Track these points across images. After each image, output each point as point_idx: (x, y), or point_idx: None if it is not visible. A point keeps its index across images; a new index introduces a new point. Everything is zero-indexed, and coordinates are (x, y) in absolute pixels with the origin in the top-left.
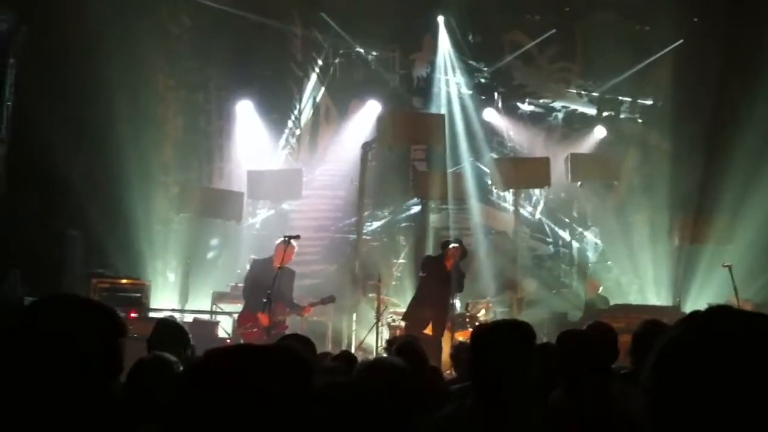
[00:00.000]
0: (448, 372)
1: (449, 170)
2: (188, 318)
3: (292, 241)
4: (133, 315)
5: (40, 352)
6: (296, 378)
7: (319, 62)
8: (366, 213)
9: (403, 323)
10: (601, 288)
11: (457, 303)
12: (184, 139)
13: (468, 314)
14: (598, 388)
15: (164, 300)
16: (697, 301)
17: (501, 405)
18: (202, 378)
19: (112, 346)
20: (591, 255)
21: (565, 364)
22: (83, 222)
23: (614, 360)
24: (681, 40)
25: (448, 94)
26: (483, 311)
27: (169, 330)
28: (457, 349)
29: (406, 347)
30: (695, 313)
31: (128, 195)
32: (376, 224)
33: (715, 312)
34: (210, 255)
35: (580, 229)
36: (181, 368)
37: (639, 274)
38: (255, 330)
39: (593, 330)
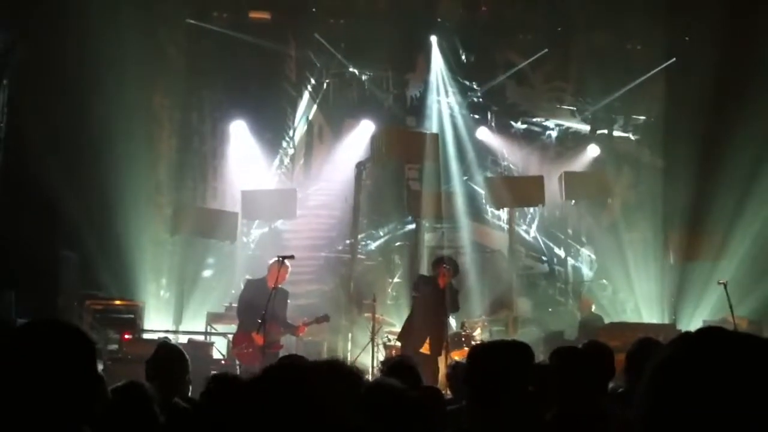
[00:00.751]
0: (443, 392)
1: (443, 189)
2: (183, 339)
3: (286, 261)
4: (126, 336)
5: (19, 379)
6: (353, 388)
7: (313, 82)
8: (362, 234)
9: (398, 343)
10: (593, 306)
11: (453, 322)
12: (178, 159)
13: (464, 333)
14: (593, 408)
15: (158, 321)
16: (692, 319)
17: (498, 427)
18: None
19: (88, 373)
20: (586, 273)
21: (560, 382)
22: (78, 243)
23: (610, 378)
24: (673, 59)
25: (442, 113)
26: (479, 330)
27: (169, 354)
28: (453, 368)
29: (398, 366)
30: (687, 334)
31: (122, 215)
32: (371, 243)
33: (707, 333)
34: (204, 275)
35: (575, 247)
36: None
37: (634, 291)
38: (250, 350)
39: (589, 348)
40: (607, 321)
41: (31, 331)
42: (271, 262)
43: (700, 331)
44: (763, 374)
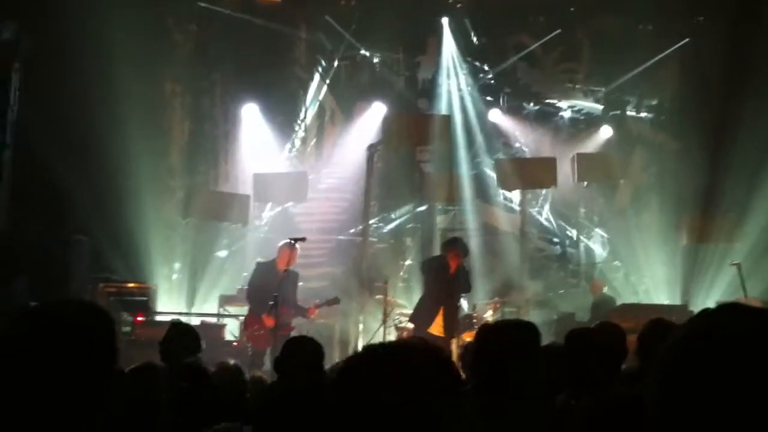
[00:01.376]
0: None
1: (455, 171)
2: (195, 321)
3: (296, 243)
4: (139, 319)
5: (36, 358)
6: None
7: (324, 65)
8: (374, 219)
9: (410, 325)
10: (605, 288)
11: (464, 304)
12: (190, 143)
13: (475, 315)
14: (605, 390)
15: (171, 304)
16: (705, 300)
17: (505, 406)
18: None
19: (107, 346)
20: (599, 254)
21: (573, 364)
22: (89, 227)
23: (623, 360)
24: (687, 39)
25: (453, 95)
26: (490, 312)
27: (180, 333)
28: (466, 349)
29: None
30: (705, 311)
31: (134, 199)
32: (383, 226)
33: (725, 309)
34: (216, 258)
35: (588, 229)
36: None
37: (647, 273)
38: (261, 332)
39: (602, 330)
40: (619, 302)
41: (49, 311)
42: (281, 244)
43: (719, 308)
44: None
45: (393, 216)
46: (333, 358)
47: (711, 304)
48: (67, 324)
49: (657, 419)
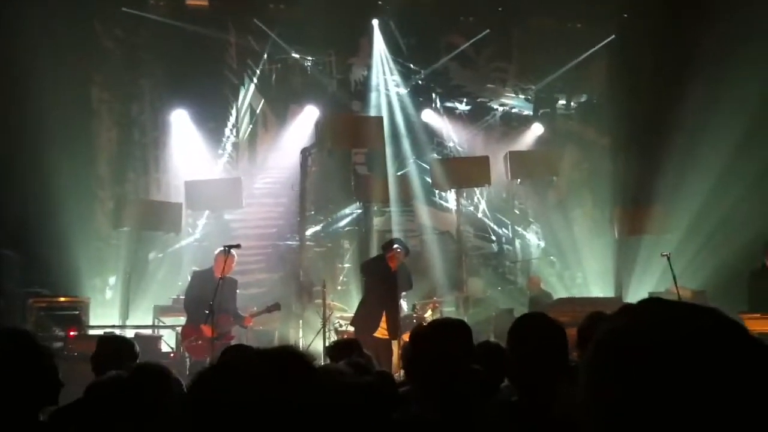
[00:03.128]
0: (397, 375)
1: (390, 173)
2: (130, 333)
3: (232, 250)
4: (72, 333)
5: None
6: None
7: (255, 69)
8: (310, 223)
9: (350, 328)
10: (542, 284)
11: (404, 304)
12: (118, 151)
13: (415, 315)
14: (550, 384)
15: (104, 317)
16: (638, 291)
17: (443, 406)
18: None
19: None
20: (534, 251)
21: (516, 358)
22: (18, 240)
23: (567, 353)
24: (612, 36)
25: (387, 96)
26: (430, 312)
27: (112, 345)
28: (406, 350)
29: (346, 346)
30: (627, 306)
31: (64, 211)
32: (319, 229)
33: (646, 304)
34: (150, 268)
35: (523, 226)
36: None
37: (581, 267)
38: (200, 342)
39: (544, 323)
40: (556, 297)
41: None
42: (216, 252)
43: (641, 302)
44: (700, 339)
45: (330, 219)
46: None
47: (644, 295)
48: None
49: (585, 416)
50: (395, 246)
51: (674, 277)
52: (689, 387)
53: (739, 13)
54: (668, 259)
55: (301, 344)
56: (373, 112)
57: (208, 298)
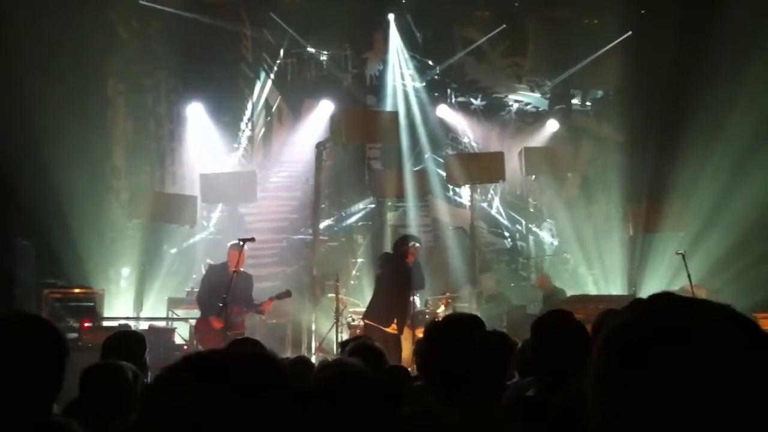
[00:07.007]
0: (409, 369)
1: (405, 168)
2: (143, 325)
3: (245, 244)
4: (86, 325)
5: None
6: (273, 379)
7: (271, 63)
8: (324, 218)
9: (362, 322)
10: (553, 281)
11: (417, 300)
12: (134, 143)
13: (428, 311)
14: (575, 378)
15: (118, 308)
16: (652, 289)
17: (456, 401)
18: (175, 381)
19: (55, 366)
20: (547, 248)
21: (541, 352)
22: (33, 231)
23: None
24: (629, 32)
25: (402, 91)
26: (442, 307)
27: (122, 340)
28: (419, 345)
29: (360, 348)
30: (637, 301)
31: (79, 202)
32: (333, 224)
33: (656, 300)
34: (164, 261)
35: (537, 223)
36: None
37: (595, 264)
38: (211, 335)
39: (564, 316)
40: (569, 294)
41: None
42: (230, 245)
43: (651, 297)
44: (709, 332)
45: (344, 214)
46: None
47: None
48: (17, 337)
49: (595, 408)
50: (412, 242)
51: (689, 276)
52: (697, 381)
53: (756, 9)
54: (683, 257)
55: (313, 338)
56: (388, 107)
57: (221, 291)
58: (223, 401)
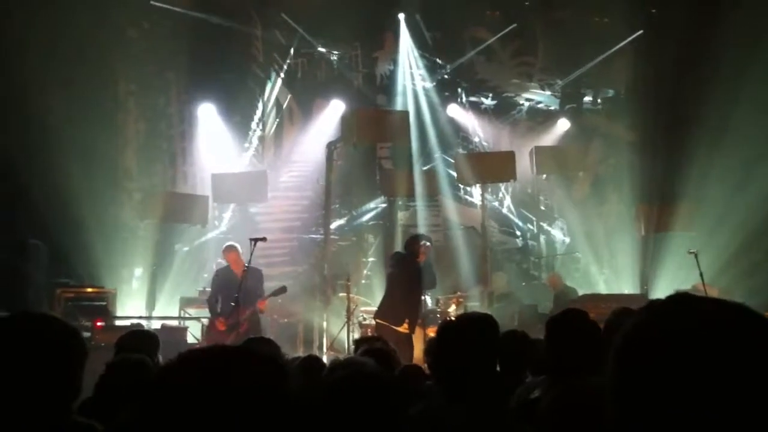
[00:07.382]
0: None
1: (416, 167)
2: (156, 324)
3: (233, 244)
4: (99, 324)
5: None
6: (270, 377)
7: (281, 63)
8: (337, 217)
9: (374, 321)
10: (564, 280)
11: (428, 299)
12: (146, 143)
13: (439, 310)
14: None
15: (131, 307)
16: (664, 288)
17: (466, 401)
18: (174, 378)
19: (74, 367)
20: (559, 247)
21: (556, 350)
22: (46, 231)
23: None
24: (640, 32)
25: (412, 91)
26: (454, 306)
27: (135, 339)
28: (430, 344)
29: (372, 352)
30: (654, 301)
31: (91, 202)
32: (344, 223)
33: (674, 299)
34: (176, 260)
35: (548, 222)
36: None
37: (607, 263)
38: (221, 335)
39: (578, 315)
40: (580, 293)
41: (13, 323)
42: (222, 249)
43: (669, 298)
44: (726, 331)
45: (355, 213)
46: None
47: (669, 292)
48: (30, 342)
49: (612, 406)
50: (423, 241)
51: (701, 275)
52: (715, 380)
53: (766, 8)
54: (695, 256)
55: (324, 337)
56: (398, 107)
57: (229, 293)
58: (216, 399)
